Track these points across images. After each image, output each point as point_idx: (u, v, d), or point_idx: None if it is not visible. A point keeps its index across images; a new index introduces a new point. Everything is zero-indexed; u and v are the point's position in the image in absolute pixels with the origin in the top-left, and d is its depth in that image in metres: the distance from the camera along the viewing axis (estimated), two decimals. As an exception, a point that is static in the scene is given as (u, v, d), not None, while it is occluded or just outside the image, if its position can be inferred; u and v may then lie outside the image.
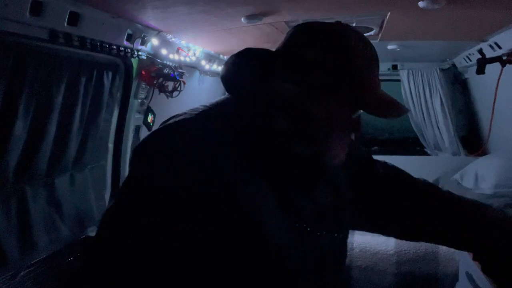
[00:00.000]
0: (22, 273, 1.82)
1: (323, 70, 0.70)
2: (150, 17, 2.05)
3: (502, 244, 0.91)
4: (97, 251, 0.66)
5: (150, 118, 2.71)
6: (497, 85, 2.26)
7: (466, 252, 1.59)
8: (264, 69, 0.73)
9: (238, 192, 0.65)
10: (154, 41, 2.37)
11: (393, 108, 0.73)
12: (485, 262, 1.38)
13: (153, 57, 2.48)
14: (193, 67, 3.10)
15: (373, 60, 0.74)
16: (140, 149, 0.71)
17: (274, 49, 0.78)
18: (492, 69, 2.14)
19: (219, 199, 0.63)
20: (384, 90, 0.76)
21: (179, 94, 2.77)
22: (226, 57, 3.39)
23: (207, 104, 0.76)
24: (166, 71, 2.58)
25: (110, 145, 2.53)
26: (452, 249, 2.28)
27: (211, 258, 0.64)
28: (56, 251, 2.05)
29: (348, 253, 2.61)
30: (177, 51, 2.68)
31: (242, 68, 0.75)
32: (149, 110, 2.69)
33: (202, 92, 3.43)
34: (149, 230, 0.62)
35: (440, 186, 3.81)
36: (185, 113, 0.74)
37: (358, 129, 0.76)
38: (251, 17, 1.97)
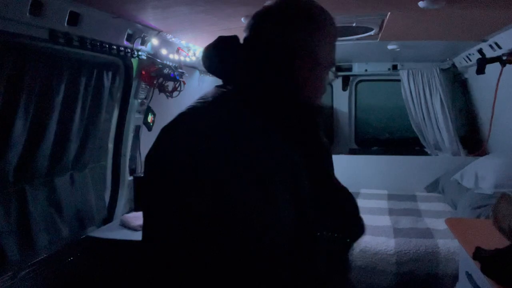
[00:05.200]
0: (22, 273, 1.82)
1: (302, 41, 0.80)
2: (150, 17, 2.05)
3: None
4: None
5: (150, 118, 2.71)
6: (497, 85, 2.26)
7: (466, 252, 1.59)
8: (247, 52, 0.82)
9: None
10: (154, 41, 2.37)
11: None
12: (485, 262, 1.38)
13: (153, 57, 2.48)
14: (193, 67, 3.10)
15: (332, 24, 0.86)
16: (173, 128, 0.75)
17: None
18: (492, 69, 2.14)
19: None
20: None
21: (179, 94, 2.77)
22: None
23: (205, 96, 0.81)
24: (166, 71, 2.58)
25: (110, 145, 2.53)
26: (452, 249, 2.28)
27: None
28: (56, 251, 2.05)
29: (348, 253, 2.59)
30: (177, 51, 2.68)
31: (230, 56, 0.84)
32: (149, 110, 2.69)
33: (202, 92, 3.42)
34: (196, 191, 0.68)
35: (440, 186, 3.79)
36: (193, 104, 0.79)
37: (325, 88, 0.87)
38: (251, 17, 1.97)
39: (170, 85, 2.73)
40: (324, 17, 0.84)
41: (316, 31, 0.82)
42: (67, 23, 1.67)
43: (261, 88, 0.80)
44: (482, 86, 3.35)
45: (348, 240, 0.86)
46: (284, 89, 0.81)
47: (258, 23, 0.83)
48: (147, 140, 2.72)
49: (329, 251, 0.81)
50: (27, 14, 1.46)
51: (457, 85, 3.93)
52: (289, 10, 0.81)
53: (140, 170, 2.73)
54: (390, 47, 3.10)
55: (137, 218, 2.40)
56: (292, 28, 0.80)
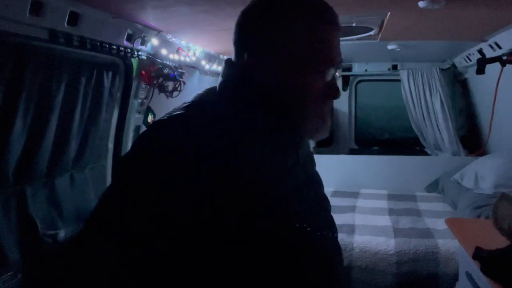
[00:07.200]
0: (22, 273, 1.82)
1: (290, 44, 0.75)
2: (150, 17, 2.05)
3: None
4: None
5: (150, 118, 2.71)
6: (497, 85, 2.26)
7: (466, 252, 1.59)
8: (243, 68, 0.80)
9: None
10: (154, 41, 2.37)
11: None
12: (485, 262, 1.38)
13: (153, 57, 2.48)
14: (193, 67, 3.10)
15: (330, 16, 0.78)
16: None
17: None
18: (492, 69, 2.14)
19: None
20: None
21: (179, 94, 2.77)
22: (226, 57, 3.39)
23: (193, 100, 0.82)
24: (166, 71, 2.58)
25: (110, 145, 2.53)
26: (452, 249, 2.28)
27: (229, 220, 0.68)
28: (56, 251, 2.05)
29: (348, 253, 2.61)
30: (177, 51, 2.68)
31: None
32: (149, 110, 2.69)
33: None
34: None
35: (440, 186, 3.80)
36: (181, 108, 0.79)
37: (337, 92, 0.80)
38: (251, 17, 1.97)
39: (170, 85, 2.73)
40: (299, 9, 0.76)
41: (280, 23, 0.76)
42: (67, 23, 1.67)
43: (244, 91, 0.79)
44: (482, 86, 3.35)
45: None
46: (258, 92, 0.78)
47: (236, 27, 0.82)
48: (147, 140, 2.71)
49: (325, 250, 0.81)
50: (27, 14, 1.46)
51: (457, 85, 3.93)
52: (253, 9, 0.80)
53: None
54: (390, 47, 3.10)
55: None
56: (256, 25, 0.78)
